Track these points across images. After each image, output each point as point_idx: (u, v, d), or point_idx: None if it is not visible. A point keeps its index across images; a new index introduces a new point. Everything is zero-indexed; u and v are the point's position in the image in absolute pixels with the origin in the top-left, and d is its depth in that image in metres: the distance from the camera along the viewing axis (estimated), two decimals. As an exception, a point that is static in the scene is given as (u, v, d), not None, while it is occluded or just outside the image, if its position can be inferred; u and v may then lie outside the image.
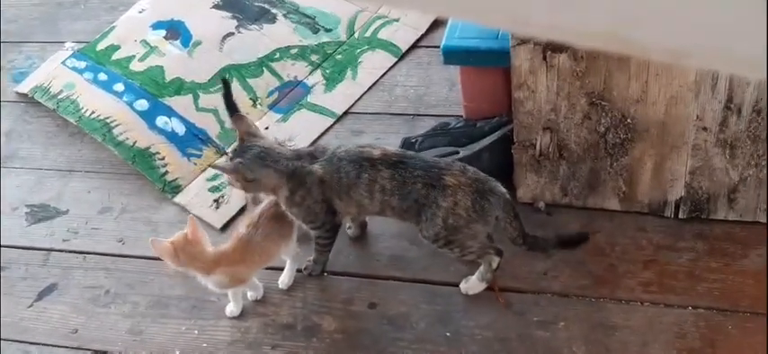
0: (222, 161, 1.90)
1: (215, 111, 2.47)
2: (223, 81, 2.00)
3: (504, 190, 1.77)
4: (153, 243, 1.79)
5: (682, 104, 1.76)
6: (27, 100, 2.67)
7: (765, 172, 1.82)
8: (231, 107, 1.94)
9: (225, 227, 2.19)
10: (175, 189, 2.31)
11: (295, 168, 1.78)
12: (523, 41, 1.78)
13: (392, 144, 2.25)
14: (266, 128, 2.43)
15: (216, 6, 2.80)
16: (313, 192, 1.80)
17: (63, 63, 2.67)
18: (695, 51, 0.36)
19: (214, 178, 2.31)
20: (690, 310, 1.81)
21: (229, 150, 1.90)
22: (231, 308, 1.95)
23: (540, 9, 0.38)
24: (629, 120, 1.83)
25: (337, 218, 1.89)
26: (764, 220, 1.92)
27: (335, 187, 1.79)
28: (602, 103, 1.82)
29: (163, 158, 2.36)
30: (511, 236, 1.79)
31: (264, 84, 2.57)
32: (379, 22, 2.74)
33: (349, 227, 2.06)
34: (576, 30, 0.38)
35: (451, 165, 1.76)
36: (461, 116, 2.29)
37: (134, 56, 2.64)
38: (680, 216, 1.97)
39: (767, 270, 1.84)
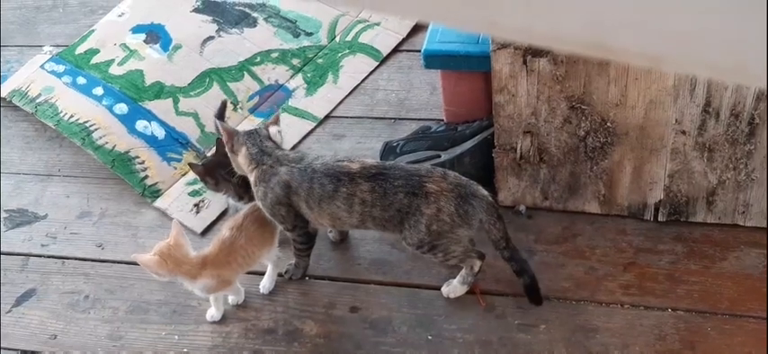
0: (226, 123, 2.00)
1: (195, 115, 2.46)
2: (223, 103, 2.16)
3: (486, 192, 1.77)
4: (137, 259, 1.78)
5: (660, 108, 1.78)
6: (5, 104, 2.64)
7: (743, 175, 1.84)
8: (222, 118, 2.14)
9: (205, 232, 2.18)
10: (155, 193, 2.30)
11: (263, 160, 1.81)
12: (504, 46, 1.79)
13: (373, 148, 2.26)
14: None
15: (196, 10, 2.79)
16: (276, 192, 1.80)
17: (42, 67, 2.65)
18: (672, 57, 0.37)
19: (194, 182, 2.30)
20: (669, 312, 1.82)
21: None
22: (212, 313, 1.94)
23: (518, 14, 0.38)
24: (608, 124, 1.84)
25: (310, 227, 1.89)
26: (742, 223, 1.94)
27: (304, 195, 1.79)
28: (582, 107, 1.83)
29: (142, 162, 2.35)
30: (494, 238, 1.79)
31: (245, 88, 2.56)
32: (360, 27, 2.74)
33: (330, 231, 2.06)
34: (554, 34, 0.38)
35: (432, 172, 1.76)
36: (442, 120, 2.29)
37: (113, 59, 2.62)
38: (659, 219, 1.99)
39: None
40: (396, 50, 2.68)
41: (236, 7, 2.81)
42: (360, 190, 1.75)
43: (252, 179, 1.84)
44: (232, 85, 2.56)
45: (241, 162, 1.85)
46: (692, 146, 1.82)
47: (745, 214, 1.93)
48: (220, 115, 2.17)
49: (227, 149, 1.87)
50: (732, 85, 1.69)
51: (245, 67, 2.61)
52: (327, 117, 2.48)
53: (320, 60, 2.66)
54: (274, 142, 1.86)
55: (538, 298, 1.86)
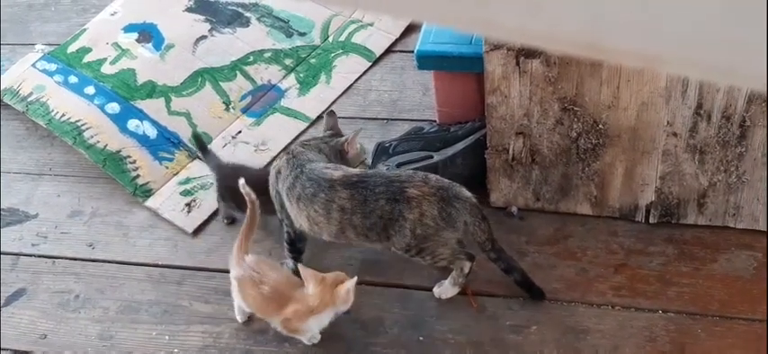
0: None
1: (187, 115, 2.45)
2: (194, 137, 2.28)
3: (469, 194, 1.77)
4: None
5: (652, 110, 1.78)
6: (-4, 102, 2.63)
7: (734, 177, 1.85)
8: (204, 150, 2.22)
9: (196, 232, 2.17)
10: (147, 192, 2.29)
11: (287, 149, 1.96)
12: (497, 47, 1.79)
13: (366, 148, 2.26)
14: (239, 132, 2.42)
15: (189, 9, 2.78)
16: (271, 175, 1.91)
17: (33, 65, 2.64)
18: (666, 57, 0.37)
19: (186, 182, 2.29)
20: (660, 314, 1.83)
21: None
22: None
23: (513, 14, 0.38)
24: (600, 126, 1.85)
25: (294, 230, 1.90)
26: (733, 225, 1.95)
27: (286, 187, 1.83)
28: (575, 109, 1.83)
29: (134, 162, 2.34)
30: (479, 240, 1.79)
31: (238, 87, 2.56)
32: (353, 27, 2.74)
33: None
34: (549, 34, 0.38)
35: (413, 177, 1.77)
36: (435, 121, 2.29)
37: (105, 58, 2.61)
38: (650, 220, 1.99)
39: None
40: (389, 51, 2.67)
41: (229, 7, 2.80)
42: (338, 197, 1.76)
43: None
44: (224, 85, 2.55)
45: None
46: (683, 148, 1.83)
47: (735, 216, 1.93)
48: (202, 148, 2.21)
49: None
50: (724, 88, 1.69)
51: (237, 67, 2.61)
52: (320, 117, 2.48)
53: (313, 60, 2.65)
54: (321, 149, 1.94)
55: (536, 291, 1.86)
